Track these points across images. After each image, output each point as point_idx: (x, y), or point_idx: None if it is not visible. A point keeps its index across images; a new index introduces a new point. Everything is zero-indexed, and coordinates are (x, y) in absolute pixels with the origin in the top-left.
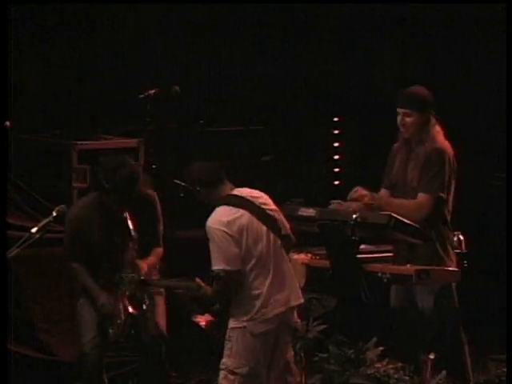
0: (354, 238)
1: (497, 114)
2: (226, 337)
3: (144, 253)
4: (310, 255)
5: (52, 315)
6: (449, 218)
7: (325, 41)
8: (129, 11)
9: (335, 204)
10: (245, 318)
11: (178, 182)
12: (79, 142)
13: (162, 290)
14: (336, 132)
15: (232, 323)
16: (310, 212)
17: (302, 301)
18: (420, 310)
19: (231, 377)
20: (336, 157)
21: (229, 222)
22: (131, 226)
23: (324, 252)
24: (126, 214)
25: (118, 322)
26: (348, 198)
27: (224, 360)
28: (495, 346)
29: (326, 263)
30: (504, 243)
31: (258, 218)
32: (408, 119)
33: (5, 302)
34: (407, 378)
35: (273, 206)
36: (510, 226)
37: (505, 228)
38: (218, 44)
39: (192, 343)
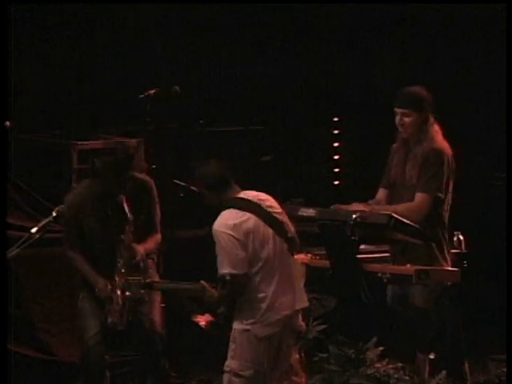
0: (353, 238)
1: (497, 113)
2: (231, 338)
3: (142, 240)
4: (309, 255)
5: (52, 315)
6: (446, 218)
7: (325, 41)
8: (129, 11)
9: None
10: (249, 321)
11: (178, 181)
12: (79, 142)
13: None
14: (336, 132)
15: (236, 325)
16: (309, 212)
17: (306, 304)
18: (414, 309)
19: (235, 379)
20: (336, 157)
21: (235, 225)
22: (127, 209)
23: (324, 252)
24: (122, 198)
25: (117, 308)
26: None
27: (228, 362)
28: (495, 346)
29: (326, 263)
30: (504, 243)
31: (265, 222)
32: (406, 119)
33: (5, 302)
34: (407, 377)
35: (279, 209)
36: (510, 225)
37: (505, 228)
38: (217, 44)
39: (192, 343)
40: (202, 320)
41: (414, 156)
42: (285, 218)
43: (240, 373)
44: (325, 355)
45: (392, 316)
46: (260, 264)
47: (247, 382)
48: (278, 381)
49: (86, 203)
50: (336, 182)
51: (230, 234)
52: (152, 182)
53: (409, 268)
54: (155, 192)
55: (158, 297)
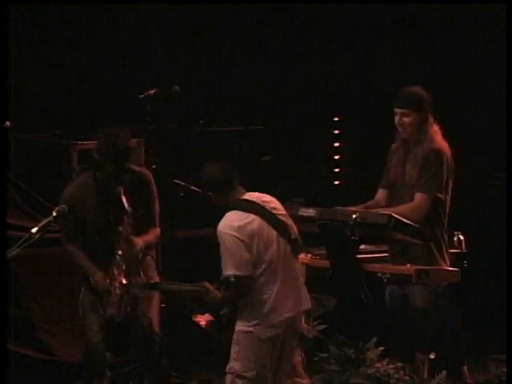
0: (353, 238)
1: (497, 113)
2: (233, 340)
3: (141, 233)
4: (309, 255)
5: (52, 315)
6: (445, 218)
7: (325, 41)
8: (129, 11)
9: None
10: (252, 323)
11: (178, 181)
12: (79, 142)
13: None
14: (336, 132)
15: (239, 327)
16: (309, 212)
17: (310, 306)
18: (413, 309)
19: (238, 381)
20: (336, 157)
21: (240, 226)
22: (125, 201)
23: (324, 252)
24: (120, 189)
25: (115, 300)
26: None
27: (231, 364)
28: (495, 346)
29: (326, 263)
30: (504, 243)
31: (269, 223)
32: (406, 119)
33: (5, 302)
34: (407, 377)
35: (283, 211)
36: (510, 225)
37: (505, 228)
38: (218, 44)
39: (192, 343)
40: (202, 320)
41: (414, 156)
42: (288, 220)
43: (243, 374)
44: (325, 355)
45: (392, 316)
46: (264, 266)
47: None
48: (280, 382)
49: (84, 196)
50: (336, 182)
51: (235, 236)
52: (151, 176)
53: (409, 268)
54: (154, 186)
55: (155, 296)
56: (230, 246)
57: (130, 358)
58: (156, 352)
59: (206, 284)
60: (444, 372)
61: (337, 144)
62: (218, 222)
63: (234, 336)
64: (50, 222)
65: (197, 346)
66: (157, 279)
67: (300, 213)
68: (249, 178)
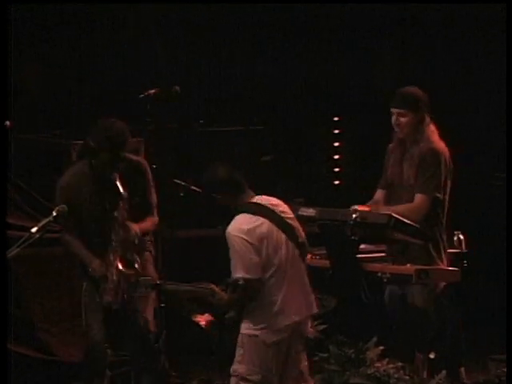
0: (353, 238)
1: (497, 113)
2: (238, 343)
3: (138, 221)
4: (310, 255)
5: (52, 315)
6: (444, 218)
7: (325, 41)
8: (129, 11)
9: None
10: (258, 327)
11: (178, 181)
12: (79, 142)
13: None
14: (336, 132)
15: (245, 330)
16: (309, 212)
17: (316, 310)
18: (413, 309)
19: (243, 383)
20: (336, 157)
21: (249, 230)
22: (120, 186)
23: (324, 252)
24: (116, 175)
25: (111, 286)
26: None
27: (235, 367)
28: (495, 346)
29: (326, 263)
30: (504, 243)
31: (278, 227)
32: (402, 119)
33: (5, 302)
34: (407, 377)
35: (291, 215)
36: (510, 225)
37: (505, 228)
38: (218, 44)
39: (192, 343)
40: (202, 320)
41: (411, 156)
42: (296, 224)
43: (248, 377)
44: (325, 355)
45: (392, 316)
46: (273, 269)
47: None
48: None
49: (80, 184)
50: (336, 182)
51: (244, 239)
52: (146, 164)
53: (409, 268)
54: (150, 174)
55: (149, 294)
56: (239, 248)
57: (128, 357)
58: (152, 351)
59: (213, 286)
60: (444, 372)
61: (337, 144)
62: (223, 223)
63: (239, 339)
64: (49, 221)
65: (197, 346)
66: (155, 276)
67: (300, 213)
68: (249, 178)
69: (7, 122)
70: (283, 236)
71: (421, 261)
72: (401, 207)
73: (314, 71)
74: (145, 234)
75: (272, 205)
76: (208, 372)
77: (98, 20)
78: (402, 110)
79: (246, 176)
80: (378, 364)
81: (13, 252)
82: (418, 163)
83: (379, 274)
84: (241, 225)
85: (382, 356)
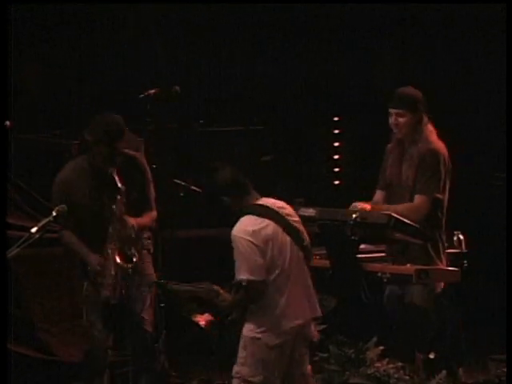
0: (353, 238)
1: (497, 113)
2: (241, 345)
3: (136, 217)
4: None
5: (52, 315)
6: (443, 218)
7: (325, 41)
8: (129, 11)
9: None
10: (261, 329)
11: (178, 181)
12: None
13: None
14: (336, 132)
15: (247, 332)
16: (309, 212)
17: (319, 314)
18: (412, 309)
19: None
20: (336, 157)
21: (254, 231)
22: (117, 180)
23: (324, 252)
24: (113, 170)
25: (110, 281)
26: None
27: (238, 368)
28: (495, 346)
29: (326, 263)
30: (504, 243)
31: (283, 229)
32: (401, 119)
33: (5, 302)
34: (407, 377)
35: (296, 218)
36: (510, 225)
37: (505, 228)
38: (218, 44)
39: (192, 343)
40: (202, 320)
41: (410, 157)
42: (301, 227)
43: (250, 379)
44: (325, 355)
45: (392, 316)
46: (277, 271)
47: None
48: None
49: (78, 179)
50: (336, 182)
51: (249, 240)
52: (144, 160)
53: (409, 268)
54: (148, 169)
55: (148, 294)
56: (244, 250)
57: (128, 357)
58: (151, 351)
59: (217, 287)
60: (444, 372)
61: (337, 144)
62: (225, 224)
63: (242, 340)
64: (49, 221)
65: (197, 346)
66: (153, 275)
67: (300, 213)
68: (249, 178)
69: (7, 122)
70: (288, 238)
71: (420, 261)
72: (400, 207)
73: (314, 71)
74: (144, 228)
75: (277, 207)
76: (208, 372)
77: (98, 20)
78: (400, 110)
79: (245, 176)
80: (377, 364)
81: (13, 252)
82: (417, 164)
83: (379, 274)
84: (246, 226)
85: (382, 356)
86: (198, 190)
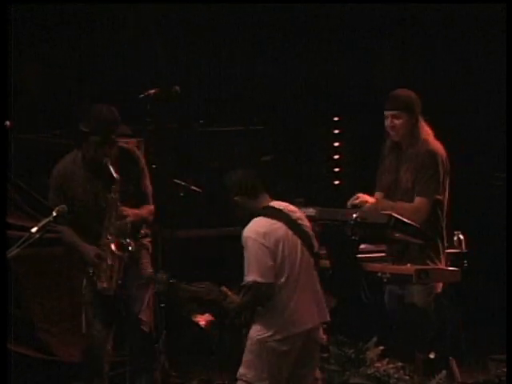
0: (353, 238)
1: (497, 113)
2: (248, 347)
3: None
4: None
5: (52, 315)
6: (443, 218)
7: (325, 41)
8: (129, 11)
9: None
10: (269, 333)
11: (178, 181)
12: None
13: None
14: (336, 132)
15: (255, 334)
16: (310, 212)
17: (328, 318)
18: (412, 309)
19: None
20: (336, 156)
21: (265, 233)
22: (113, 170)
23: (324, 252)
24: (107, 160)
25: (107, 272)
26: (348, 204)
27: (244, 371)
28: (495, 346)
29: (326, 263)
30: (504, 243)
31: (294, 232)
32: (397, 121)
33: (5, 302)
34: (407, 377)
35: (307, 223)
36: (510, 225)
37: (505, 228)
38: (218, 44)
39: (192, 343)
40: (202, 320)
41: (408, 159)
42: (312, 233)
43: (258, 383)
44: (325, 355)
45: (392, 316)
46: (286, 275)
47: None
48: None
49: (73, 170)
50: (336, 182)
51: (261, 242)
52: (139, 153)
53: (409, 268)
54: (143, 163)
55: (146, 295)
56: (254, 252)
57: (126, 357)
58: (151, 351)
59: (224, 288)
60: (444, 372)
61: (337, 144)
62: (239, 224)
63: (248, 343)
64: (49, 221)
65: (197, 346)
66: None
67: None
68: (262, 182)
69: (7, 122)
70: (299, 242)
71: (420, 261)
72: (404, 204)
73: (314, 71)
74: (140, 219)
75: (289, 211)
76: (208, 372)
77: (98, 20)
78: (395, 112)
79: (258, 179)
80: (378, 364)
81: (13, 252)
82: (415, 166)
83: (379, 274)
84: (258, 227)
85: (382, 356)
86: (198, 189)
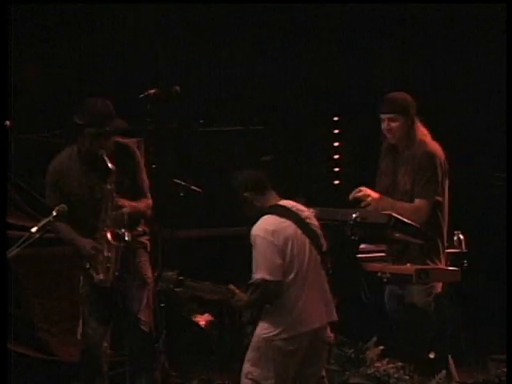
0: (353, 238)
1: (497, 113)
2: (253, 345)
3: None
4: None
5: (52, 315)
6: (444, 219)
7: (325, 41)
8: (129, 11)
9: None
10: (276, 331)
11: (178, 181)
12: None
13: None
14: (336, 132)
15: (262, 331)
16: None
17: (336, 318)
18: (412, 309)
19: None
20: (336, 156)
21: (274, 231)
22: (108, 161)
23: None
24: (103, 152)
25: (105, 264)
26: (350, 197)
27: (250, 369)
28: (495, 346)
29: None
30: (504, 243)
31: (303, 231)
32: (393, 124)
33: (5, 302)
34: (407, 377)
35: (315, 222)
36: (510, 225)
37: (505, 228)
38: (218, 44)
39: (192, 343)
40: (202, 320)
41: (405, 161)
42: (320, 232)
43: (263, 382)
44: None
45: (392, 316)
46: (294, 273)
47: None
48: None
49: (68, 164)
50: (336, 182)
51: (270, 240)
52: (135, 148)
53: (409, 268)
54: (139, 157)
55: (144, 294)
56: (263, 250)
57: (125, 357)
58: (147, 351)
59: (232, 287)
60: (444, 372)
61: (337, 143)
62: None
63: (255, 340)
64: (49, 221)
65: (197, 346)
66: (149, 274)
67: None
68: (270, 180)
69: (7, 122)
70: (307, 240)
71: (420, 261)
72: (405, 204)
73: (314, 71)
74: (138, 212)
75: (298, 209)
76: (208, 372)
77: (98, 20)
78: (392, 115)
79: (267, 177)
80: (377, 364)
81: (13, 252)
82: (413, 168)
83: (379, 274)
84: (267, 225)
85: (381, 356)
86: (198, 189)
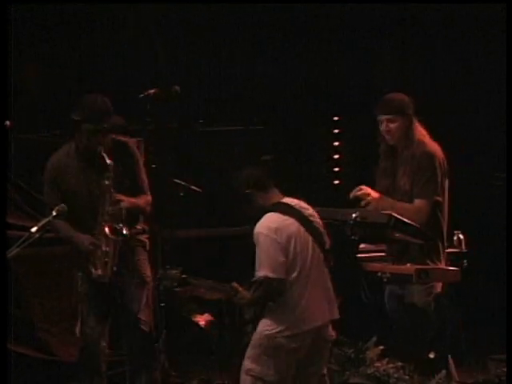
0: (353, 237)
1: (497, 113)
2: (255, 342)
3: None
4: None
5: (52, 315)
6: (444, 219)
7: (325, 41)
8: (129, 11)
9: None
10: (278, 328)
11: (178, 181)
12: None
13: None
14: (336, 131)
15: (264, 328)
16: None
17: (337, 316)
18: (412, 309)
19: (260, 383)
20: (336, 156)
21: (277, 228)
22: (106, 157)
23: None
24: (101, 148)
25: (103, 259)
26: (350, 196)
27: (251, 366)
28: (495, 346)
29: None
30: (504, 243)
31: (306, 229)
32: (392, 125)
33: (5, 302)
34: (407, 377)
35: (319, 220)
36: (510, 225)
37: (505, 228)
38: (218, 44)
39: (192, 343)
40: (202, 320)
41: (404, 161)
42: (323, 230)
43: (264, 378)
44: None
45: (392, 316)
46: (297, 271)
47: None
48: None
49: (66, 161)
50: (336, 182)
51: (273, 238)
52: (134, 146)
53: (409, 267)
54: (138, 155)
55: (144, 294)
56: (266, 247)
57: (124, 357)
58: (146, 351)
59: (235, 284)
60: (444, 372)
61: (337, 143)
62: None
63: (256, 337)
64: (49, 221)
65: (197, 346)
66: (148, 273)
67: None
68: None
69: (7, 122)
70: (310, 238)
71: (420, 261)
72: (400, 205)
73: (314, 71)
74: (136, 208)
75: (301, 207)
76: (208, 372)
77: (98, 20)
78: (390, 116)
79: (270, 176)
80: (377, 364)
81: (13, 252)
82: (412, 168)
83: (379, 274)
84: (270, 223)
85: (381, 356)
86: (198, 189)
